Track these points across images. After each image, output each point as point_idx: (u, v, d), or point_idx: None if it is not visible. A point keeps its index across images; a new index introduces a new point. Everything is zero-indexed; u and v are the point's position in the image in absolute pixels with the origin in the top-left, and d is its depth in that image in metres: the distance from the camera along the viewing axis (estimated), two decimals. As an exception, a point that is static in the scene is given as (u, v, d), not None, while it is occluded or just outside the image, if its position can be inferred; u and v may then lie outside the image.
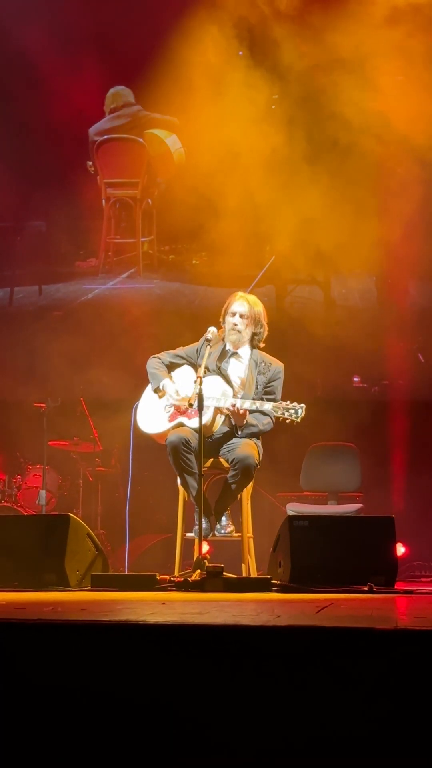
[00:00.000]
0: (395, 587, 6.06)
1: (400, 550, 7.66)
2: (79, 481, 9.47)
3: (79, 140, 10.22)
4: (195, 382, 6.39)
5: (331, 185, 9.18)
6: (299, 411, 6.52)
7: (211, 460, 6.74)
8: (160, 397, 6.91)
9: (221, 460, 6.79)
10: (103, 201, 10.43)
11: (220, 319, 6.94)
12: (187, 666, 3.15)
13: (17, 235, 10.56)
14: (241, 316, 6.83)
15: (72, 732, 3.15)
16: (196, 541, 6.45)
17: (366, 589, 5.80)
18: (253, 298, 6.95)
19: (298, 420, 6.52)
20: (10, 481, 9.45)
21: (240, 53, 9.58)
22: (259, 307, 6.93)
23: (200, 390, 6.31)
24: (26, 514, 8.87)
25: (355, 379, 9.96)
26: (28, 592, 5.95)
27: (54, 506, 9.44)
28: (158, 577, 6.07)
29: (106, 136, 10.44)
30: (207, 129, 9.53)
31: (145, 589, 5.95)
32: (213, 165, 9.46)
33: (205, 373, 6.52)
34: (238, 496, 6.79)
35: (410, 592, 5.94)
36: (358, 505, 8.54)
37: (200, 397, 6.31)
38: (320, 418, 9.15)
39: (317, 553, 6.11)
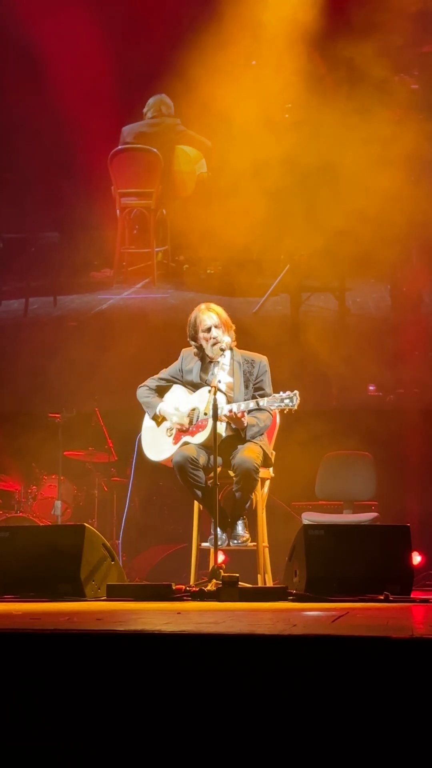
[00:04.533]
0: (411, 596, 6.05)
1: (416, 558, 7.65)
2: (95, 491, 9.47)
3: (93, 150, 10.23)
4: (209, 392, 6.39)
5: (346, 194, 9.20)
6: (294, 399, 6.47)
7: (221, 469, 6.72)
8: (158, 423, 6.94)
9: (231, 470, 6.79)
10: (118, 211, 10.45)
11: (189, 338, 6.96)
12: (203, 675, 3.14)
13: (31, 246, 10.59)
14: (216, 328, 6.85)
15: (86, 742, 3.15)
16: (212, 550, 6.45)
17: (382, 598, 5.78)
18: (215, 306, 6.98)
19: (295, 407, 6.49)
20: (25, 491, 9.47)
21: (253, 62, 9.61)
22: (224, 313, 6.96)
23: (215, 400, 6.32)
24: (42, 524, 8.88)
25: (371, 388, 9.95)
26: (44, 602, 5.95)
27: (69, 516, 9.45)
28: (174, 587, 6.06)
29: (120, 146, 10.47)
30: (231, 144, 9.57)
31: (161, 599, 5.94)
32: (229, 176, 9.50)
33: (209, 386, 6.50)
34: (249, 502, 6.77)
35: (426, 600, 5.91)
36: (373, 514, 8.53)
37: (215, 407, 6.31)
38: (335, 427, 9.17)
39: (333, 562, 6.09)
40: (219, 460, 6.48)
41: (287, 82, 9.43)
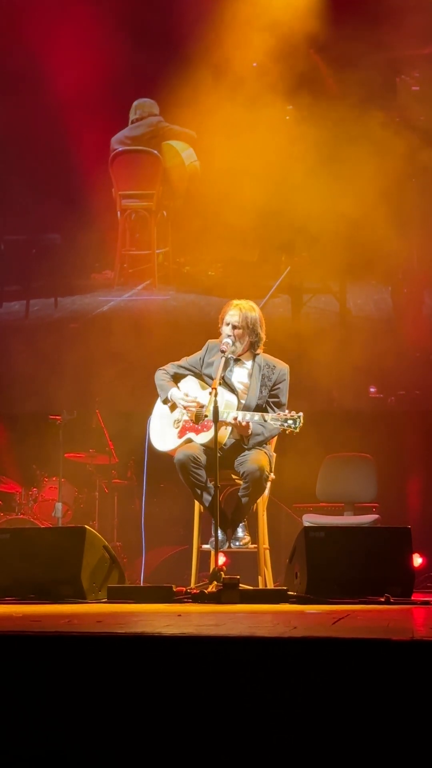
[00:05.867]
0: (412, 598, 6.04)
1: (417, 560, 7.64)
2: (95, 493, 9.47)
3: (94, 152, 10.23)
4: (210, 393, 6.37)
5: (346, 195, 9.20)
6: (297, 421, 6.44)
7: (224, 472, 6.70)
8: (171, 409, 6.91)
9: (234, 473, 6.78)
10: (118, 213, 10.45)
11: (219, 328, 6.92)
12: (203, 678, 3.14)
13: (33, 247, 10.59)
14: (234, 327, 6.77)
15: (87, 745, 3.14)
16: (212, 552, 6.45)
17: (383, 600, 5.78)
18: (247, 305, 6.85)
19: (297, 430, 6.47)
20: (26, 493, 9.47)
21: (254, 64, 9.61)
22: (254, 314, 6.83)
23: (215, 402, 6.30)
24: (42, 526, 8.88)
25: (372, 390, 9.94)
26: (45, 604, 5.95)
27: (70, 518, 9.45)
28: (174, 589, 6.06)
29: (120, 148, 10.47)
30: (223, 141, 9.56)
31: (161, 601, 5.95)
32: (228, 177, 9.49)
33: (216, 384, 6.48)
34: (253, 507, 6.77)
35: (427, 602, 5.91)
36: (374, 516, 8.52)
37: (216, 409, 6.30)
38: (336, 429, 9.17)
39: (334, 564, 6.09)
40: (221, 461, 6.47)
41: (286, 82, 9.44)
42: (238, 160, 9.49)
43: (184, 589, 6.14)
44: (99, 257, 10.51)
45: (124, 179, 10.47)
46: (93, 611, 5.26)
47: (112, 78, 9.90)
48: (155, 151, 10.43)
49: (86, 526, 6.57)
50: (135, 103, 10.45)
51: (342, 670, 3.07)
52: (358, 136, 9.27)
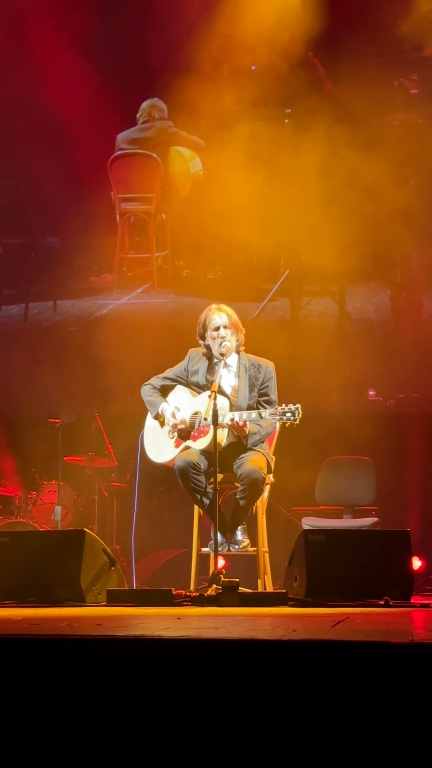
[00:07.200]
0: (411, 601, 6.04)
1: (416, 563, 7.64)
2: (95, 496, 9.46)
3: (93, 154, 10.23)
4: (210, 397, 6.38)
5: (345, 199, 9.21)
6: (296, 413, 6.47)
7: (223, 475, 6.70)
8: (161, 423, 6.93)
9: (234, 476, 6.77)
10: (117, 216, 10.45)
11: (198, 337, 6.96)
12: (203, 681, 3.14)
13: (31, 251, 10.59)
14: (225, 328, 6.84)
15: (86, 748, 3.14)
16: (212, 555, 6.45)
17: (382, 603, 5.78)
18: (226, 307, 6.97)
19: (297, 422, 6.49)
20: (25, 497, 9.45)
21: (253, 67, 9.63)
22: (235, 315, 6.96)
23: (215, 405, 6.31)
24: (42, 529, 8.87)
25: (371, 393, 9.94)
26: (44, 607, 5.95)
27: (69, 522, 9.43)
28: (174, 592, 6.06)
29: (120, 152, 10.47)
30: (224, 149, 9.57)
31: (161, 604, 5.94)
32: (229, 179, 9.49)
33: (210, 390, 6.48)
34: (252, 510, 6.77)
35: (426, 605, 5.91)
36: (373, 519, 8.52)
37: (215, 412, 6.30)
38: (335, 432, 9.16)
39: (333, 567, 6.09)
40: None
41: (285, 86, 9.45)
42: (238, 167, 9.49)
43: (184, 592, 6.14)
44: (98, 260, 10.50)
45: (123, 182, 10.47)
46: (92, 614, 5.26)
47: (112, 81, 9.90)
48: (154, 155, 10.43)
49: (85, 529, 6.57)
50: (145, 103, 10.43)
51: (341, 673, 3.07)
52: (357, 139, 9.28)
